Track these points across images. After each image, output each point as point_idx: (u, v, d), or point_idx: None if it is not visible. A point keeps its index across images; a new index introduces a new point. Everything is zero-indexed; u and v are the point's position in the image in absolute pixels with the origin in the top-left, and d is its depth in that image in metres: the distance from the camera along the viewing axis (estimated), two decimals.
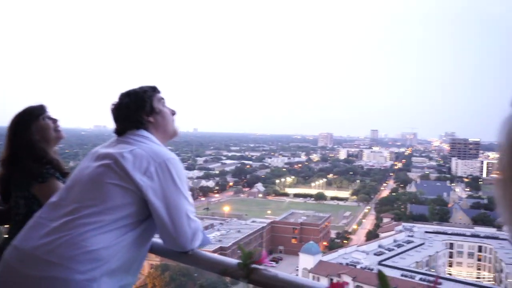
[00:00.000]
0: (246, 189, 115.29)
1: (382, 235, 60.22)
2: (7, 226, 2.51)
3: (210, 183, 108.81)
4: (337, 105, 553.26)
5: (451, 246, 60.39)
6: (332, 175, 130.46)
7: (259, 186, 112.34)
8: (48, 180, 2.35)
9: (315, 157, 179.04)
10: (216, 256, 1.91)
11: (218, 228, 59.56)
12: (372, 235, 64.97)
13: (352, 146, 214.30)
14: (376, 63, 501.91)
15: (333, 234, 73.55)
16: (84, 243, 1.62)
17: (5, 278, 1.66)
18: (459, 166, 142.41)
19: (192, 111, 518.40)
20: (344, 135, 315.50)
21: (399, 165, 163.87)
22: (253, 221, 68.18)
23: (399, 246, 52.90)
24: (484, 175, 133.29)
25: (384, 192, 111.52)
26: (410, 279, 37.02)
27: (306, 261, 44.55)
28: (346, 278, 36.44)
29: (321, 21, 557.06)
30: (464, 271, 59.25)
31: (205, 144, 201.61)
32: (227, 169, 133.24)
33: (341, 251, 50.11)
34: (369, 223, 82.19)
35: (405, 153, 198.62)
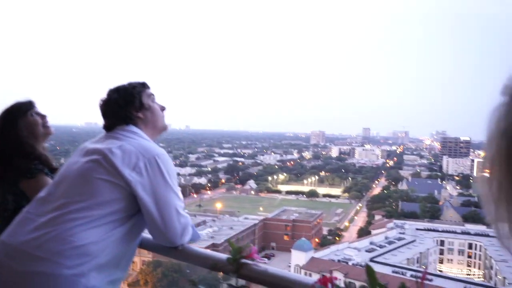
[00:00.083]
0: (239, 186, 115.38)
1: (373, 232, 60.53)
2: None
3: (203, 180, 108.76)
4: (329, 104, 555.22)
5: (442, 243, 61.05)
6: (324, 172, 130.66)
7: (252, 183, 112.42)
8: (37, 175, 2.34)
9: (307, 154, 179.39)
10: (205, 251, 1.92)
11: (210, 225, 59.49)
12: (363, 232, 65.29)
13: (344, 144, 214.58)
14: (369, 62, 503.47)
15: (325, 231, 73.79)
16: (72, 238, 1.62)
17: None
18: (450, 164, 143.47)
19: (184, 108, 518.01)
20: (336, 133, 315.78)
21: (391, 163, 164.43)
22: (245, 218, 68.18)
23: (390, 243, 53.20)
24: (475, 173, 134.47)
25: (376, 190, 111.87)
26: (401, 276, 37.21)
27: (298, 257, 44.76)
28: (338, 275, 36.46)
29: (313, 21, 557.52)
30: (454, 268, 59.85)
31: (197, 141, 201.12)
32: (220, 166, 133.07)
33: (333, 247, 50.44)
34: (361, 220, 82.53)
35: (397, 151, 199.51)
